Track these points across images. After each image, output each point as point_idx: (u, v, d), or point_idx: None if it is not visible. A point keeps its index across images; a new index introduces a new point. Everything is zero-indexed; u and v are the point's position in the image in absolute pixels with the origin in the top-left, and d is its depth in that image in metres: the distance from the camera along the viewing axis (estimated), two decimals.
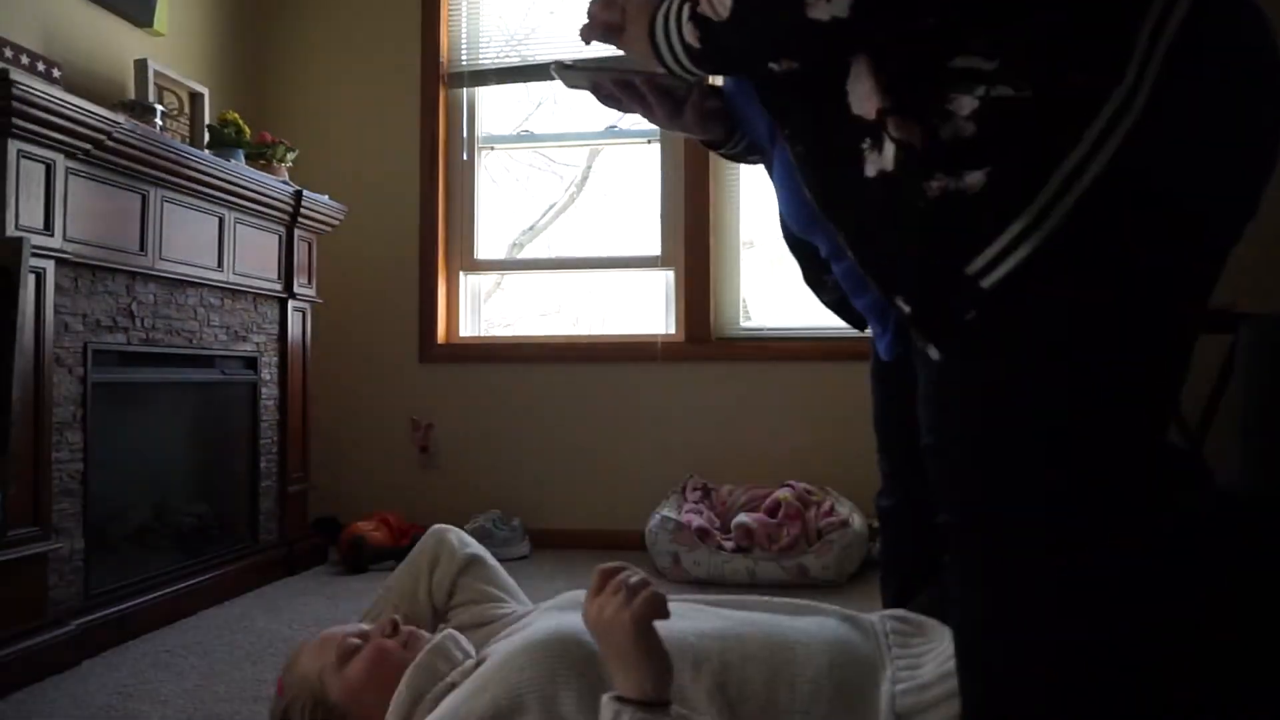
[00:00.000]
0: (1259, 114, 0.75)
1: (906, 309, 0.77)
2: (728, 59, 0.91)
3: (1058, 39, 0.72)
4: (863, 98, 0.78)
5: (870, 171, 0.77)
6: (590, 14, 1.00)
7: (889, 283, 0.78)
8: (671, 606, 0.94)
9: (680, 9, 0.88)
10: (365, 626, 1.15)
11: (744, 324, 3.21)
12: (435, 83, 3.35)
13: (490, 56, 3.38)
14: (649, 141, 3.27)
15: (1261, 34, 0.76)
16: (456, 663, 1.05)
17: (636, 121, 3.29)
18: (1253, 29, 0.75)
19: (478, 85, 3.39)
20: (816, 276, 1.13)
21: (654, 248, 3.23)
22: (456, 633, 1.11)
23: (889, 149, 0.76)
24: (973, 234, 0.73)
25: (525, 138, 3.44)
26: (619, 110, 1.08)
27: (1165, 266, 0.75)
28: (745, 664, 0.95)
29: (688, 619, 1.02)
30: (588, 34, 1.01)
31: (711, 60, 0.89)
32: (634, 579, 0.91)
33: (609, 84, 1.03)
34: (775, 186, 1.07)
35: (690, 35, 0.87)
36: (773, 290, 3.20)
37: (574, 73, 1.03)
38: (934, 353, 0.76)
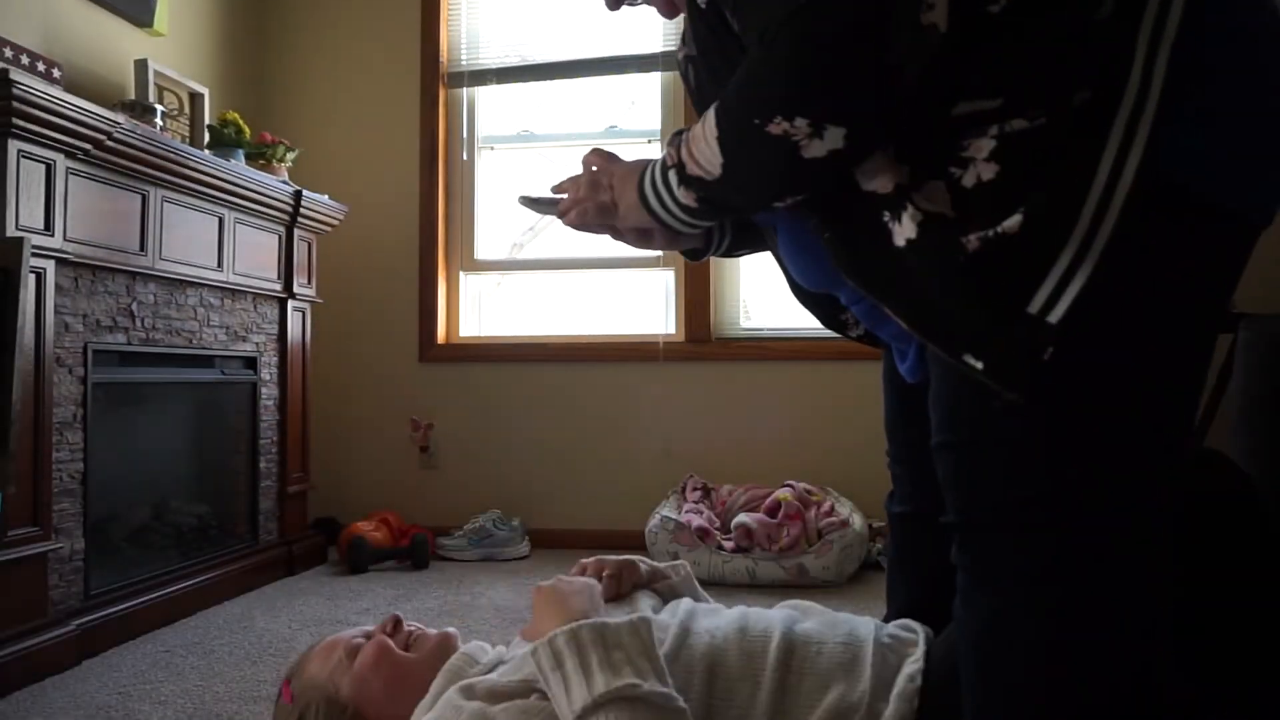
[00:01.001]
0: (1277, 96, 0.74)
1: (979, 365, 0.73)
2: (730, 209, 0.90)
3: (1052, 61, 0.71)
4: (870, 175, 0.77)
5: (899, 241, 0.75)
6: (576, 199, 0.98)
7: (952, 343, 0.76)
8: (684, 607, 1.01)
9: (665, 174, 0.86)
10: (369, 628, 1.17)
11: (744, 324, 3.21)
12: (435, 83, 3.35)
13: (490, 56, 3.38)
14: (649, 141, 3.27)
15: (1271, 18, 0.75)
16: (480, 663, 1.06)
17: (637, 121, 3.30)
18: (1257, 11, 0.74)
19: (478, 85, 3.39)
20: (838, 320, 1.12)
21: None
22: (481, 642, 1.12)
23: (908, 217, 0.75)
24: (1024, 275, 0.71)
25: (525, 138, 3.44)
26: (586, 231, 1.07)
27: (1209, 267, 0.74)
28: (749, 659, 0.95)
29: (706, 617, 1.03)
30: (580, 221, 0.99)
31: (712, 214, 0.88)
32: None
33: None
34: (782, 257, 1.05)
35: (685, 198, 0.85)
36: (773, 290, 3.20)
37: (541, 204, 1.06)
38: (1014, 396, 0.73)
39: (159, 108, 2.37)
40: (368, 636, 1.13)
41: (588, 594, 0.97)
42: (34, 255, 1.79)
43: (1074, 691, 0.75)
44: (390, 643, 1.10)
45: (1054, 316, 0.70)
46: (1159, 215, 0.71)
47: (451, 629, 1.15)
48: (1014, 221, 0.70)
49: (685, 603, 1.08)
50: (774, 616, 1.01)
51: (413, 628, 1.15)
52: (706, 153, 0.81)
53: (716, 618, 1.03)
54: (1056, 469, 0.75)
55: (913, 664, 0.91)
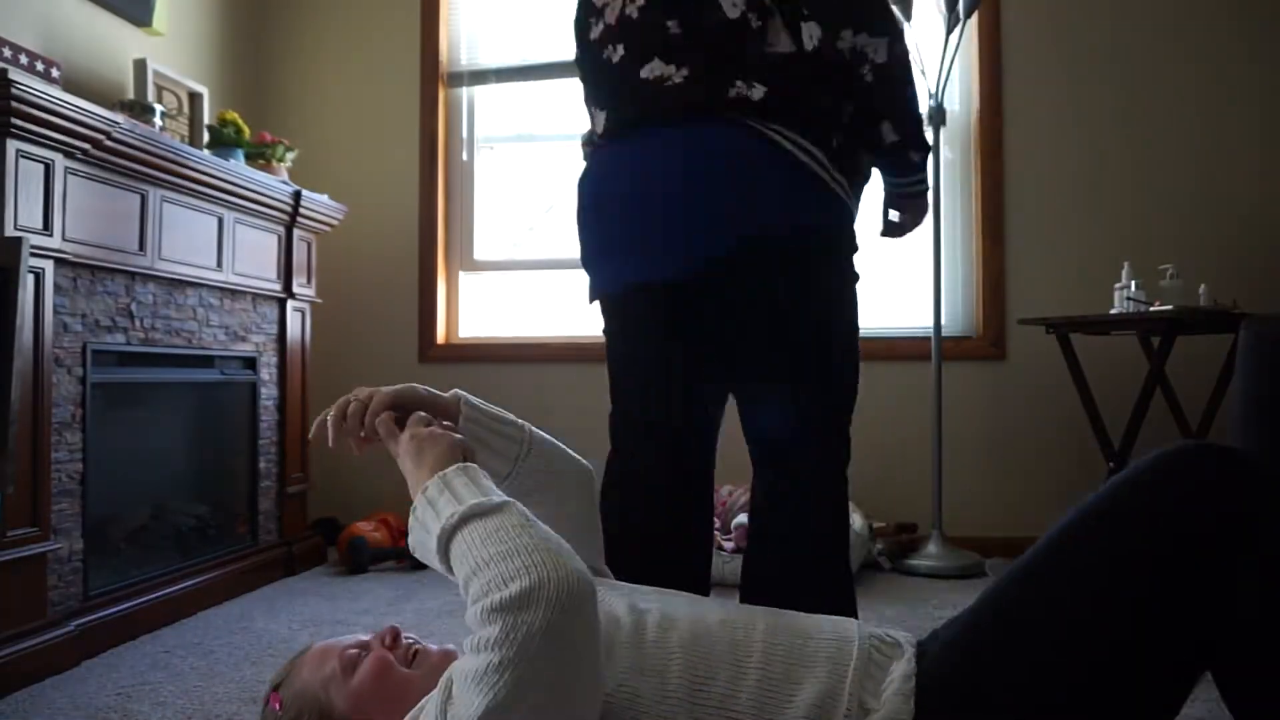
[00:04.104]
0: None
1: None
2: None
3: None
4: None
5: None
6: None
7: None
8: (685, 597, 1.04)
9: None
10: (363, 637, 1.13)
11: None
12: (435, 82, 3.34)
13: (490, 56, 3.38)
14: None
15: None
16: None
17: None
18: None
19: (477, 85, 3.39)
20: None
21: None
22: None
23: None
24: None
25: (525, 138, 3.44)
26: None
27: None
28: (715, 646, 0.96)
29: (694, 606, 1.03)
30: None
31: None
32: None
33: None
34: None
35: None
36: None
37: None
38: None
39: (158, 107, 2.37)
40: (362, 647, 1.08)
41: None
42: (32, 255, 1.78)
43: None
44: (391, 659, 1.06)
45: None
46: None
47: (452, 646, 1.09)
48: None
49: (658, 593, 1.08)
50: (757, 610, 1.01)
51: (410, 640, 1.10)
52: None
53: (698, 606, 1.03)
54: None
55: (904, 664, 0.92)
